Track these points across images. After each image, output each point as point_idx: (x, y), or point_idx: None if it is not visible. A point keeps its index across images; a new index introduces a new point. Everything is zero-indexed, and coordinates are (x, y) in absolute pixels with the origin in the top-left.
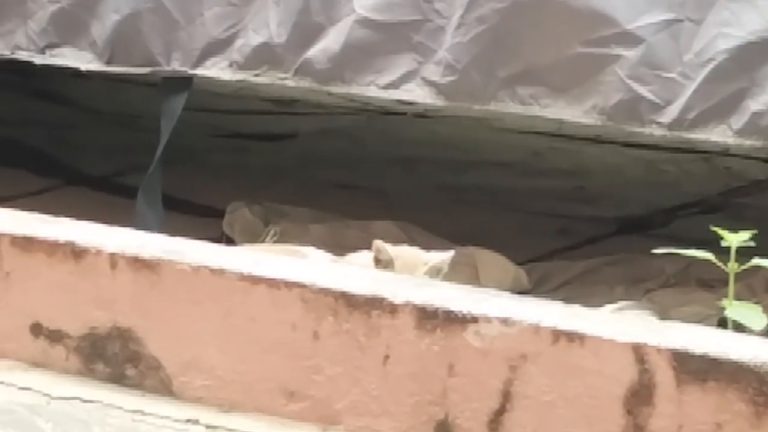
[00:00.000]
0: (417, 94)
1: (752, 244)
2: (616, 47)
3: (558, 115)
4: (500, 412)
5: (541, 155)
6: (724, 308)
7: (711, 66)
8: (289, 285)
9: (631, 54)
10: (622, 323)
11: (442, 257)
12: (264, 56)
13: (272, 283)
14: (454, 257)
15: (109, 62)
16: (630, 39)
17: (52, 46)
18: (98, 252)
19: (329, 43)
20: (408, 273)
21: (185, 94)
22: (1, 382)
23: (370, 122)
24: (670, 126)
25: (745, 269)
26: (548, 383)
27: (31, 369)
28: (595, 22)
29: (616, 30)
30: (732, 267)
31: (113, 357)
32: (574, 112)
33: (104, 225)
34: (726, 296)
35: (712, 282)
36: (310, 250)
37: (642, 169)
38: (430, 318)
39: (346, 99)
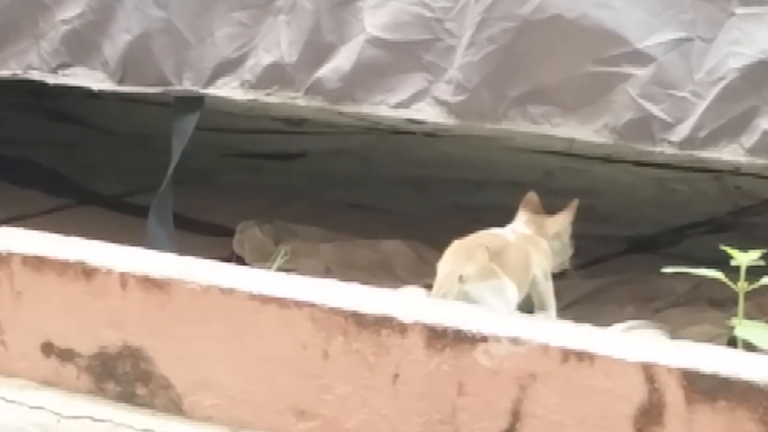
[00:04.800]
0: (428, 113)
1: (762, 263)
2: (627, 66)
3: (569, 134)
4: (509, 431)
5: (552, 174)
6: (734, 327)
7: (722, 85)
8: (300, 304)
9: (642, 73)
10: (632, 342)
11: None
12: (275, 76)
13: (282, 303)
14: None
15: (120, 82)
16: (641, 58)
17: (64, 65)
18: (109, 271)
19: (340, 62)
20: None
21: (197, 113)
22: (13, 401)
23: (379, 142)
24: (682, 145)
25: (755, 288)
26: (558, 403)
27: (43, 388)
28: (606, 41)
29: (627, 49)
30: (742, 286)
31: (124, 376)
32: (585, 131)
33: (115, 244)
34: (736, 315)
35: (722, 301)
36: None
37: (652, 188)
38: (439, 337)
39: (357, 118)
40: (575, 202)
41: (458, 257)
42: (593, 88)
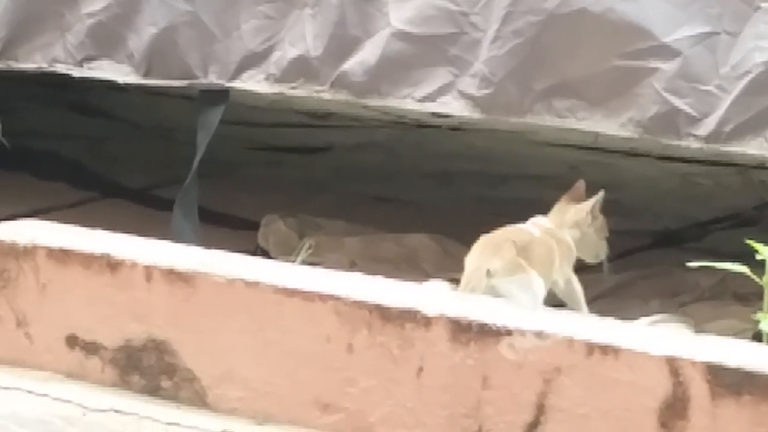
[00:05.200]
0: (453, 106)
1: None
2: (652, 60)
3: (594, 127)
4: (534, 424)
5: (576, 168)
6: (759, 321)
7: (748, 79)
8: (324, 297)
9: (667, 67)
10: (656, 336)
11: None
12: (300, 69)
13: (307, 296)
14: None
15: (146, 75)
16: (667, 52)
17: (89, 58)
18: (134, 264)
19: (366, 55)
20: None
21: (222, 107)
22: (38, 394)
23: (405, 135)
24: (707, 139)
25: None
26: (582, 396)
27: (67, 380)
28: (632, 35)
29: (652, 43)
30: (767, 280)
31: (148, 369)
32: (611, 125)
33: (140, 237)
34: (761, 309)
35: (747, 295)
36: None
37: (677, 183)
38: (464, 331)
39: (382, 112)
40: (599, 194)
41: (485, 252)
42: (619, 82)
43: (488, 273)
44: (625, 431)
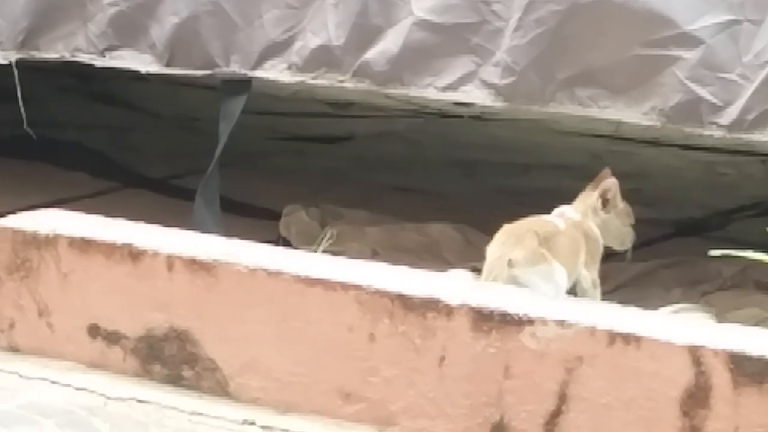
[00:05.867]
0: (475, 95)
1: None
2: (675, 48)
3: (617, 116)
4: (556, 413)
5: (599, 158)
6: None
7: None
8: (345, 287)
9: (690, 55)
10: (678, 325)
11: None
12: (322, 58)
13: (328, 285)
14: None
15: (168, 64)
16: (689, 40)
17: (111, 48)
18: (155, 254)
19: (388, 45)
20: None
21: (244, 96)
22: (60, 383)
23: (426, 125)
24: (730, 127)
25: None
26: (604, 385)
27: (89, 370)
28: (655, 24)
29: (675, 31)
30: None
31: (170, 358)
32: (633, 114)
33: (162, 227)
34: None
35: None
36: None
37: (700, 172)
38: (486, 320)
39: (403, 101)
40: (609, 181)
41: (507, 242)
42: (641, 71)
43: (510, 263)
44: (646, 420)
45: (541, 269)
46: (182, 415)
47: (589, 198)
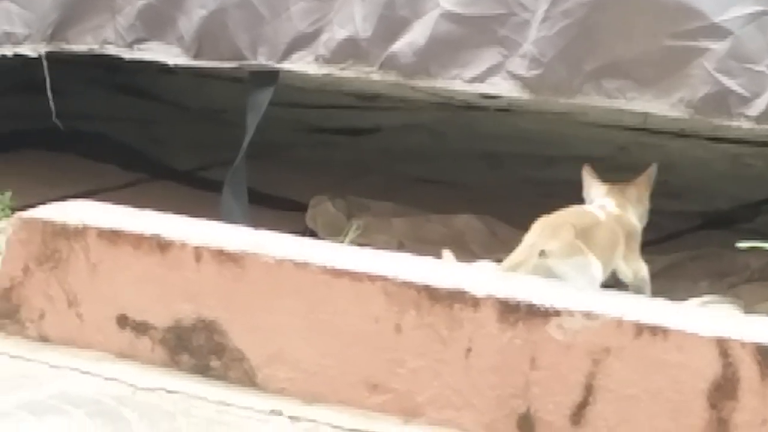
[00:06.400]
0: (502, 87)
1: None
2: (703, 40)
3: (644, 108)
4: (583, 405)
5: (626, 149)
6: None
7: None
8: (372, 278)
9: (718, 47)
10: (705, 317)
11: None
12: (349, 50)
13: (355, 276)
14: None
15: (196, 56)
16: (718, 32)
17: (140, 40)
18: (183, 245)
19: (415, 36)
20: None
21: (271, 88)
22: (89, 373)
23: (453, 117)
24: (758, 119)
25: None
26: (631, 377)
27: (118, 360)
28: (683, 15)
29: (703, 23)
30: None
31: (198, 349)
32: (661, 106)
33: (189, 218)
34: None
35: None
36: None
37: (727, 164)
38: (512, 311)
39: (429, 94)
40: (653, 167)
41: (544, 232)
42: (669, 62)
43: (542, 253)
44: (673, 412)
45: (576, 261)
46: (210, 405)
47: (627, 190)
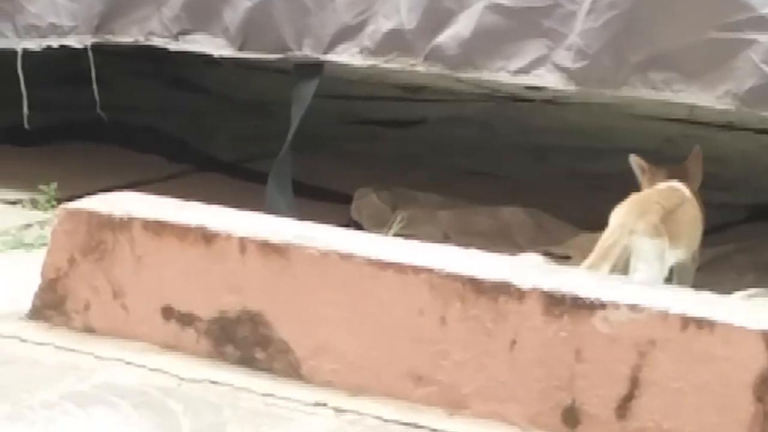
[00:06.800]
0: (548, 79)
1: None
2: (750, 32)
3: (691, 100)
4: (628, 398)
5: (673, 142)
6: None
7: None
8: (417, 270)
9: (765, 39)
10: (752, 310)
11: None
12: (394, 42)
13: (400, 268)
14: (584, 243)
15: (241, 48)
16: (764, 24)
17: (185, 32)
18: (228, 237)
19: (460, 28)
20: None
21: (316, 80)
22: (135, 364)
23: (499, 109)
24: None
25: None
26: (677, 370)
27: (163, 351)
28: (729, 7)
29: (750, 14)
30: None
31: (243, 340)
32: (707, 98)
33: (234, 210)
34: None
35: None
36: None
37: None
38: (557, 304)
39: (475, 85)
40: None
41: (632, 211)
42: (716, 54)
43: (631, 233)
44: (719, 405)
45: (656, 244)
46: (255, 397)
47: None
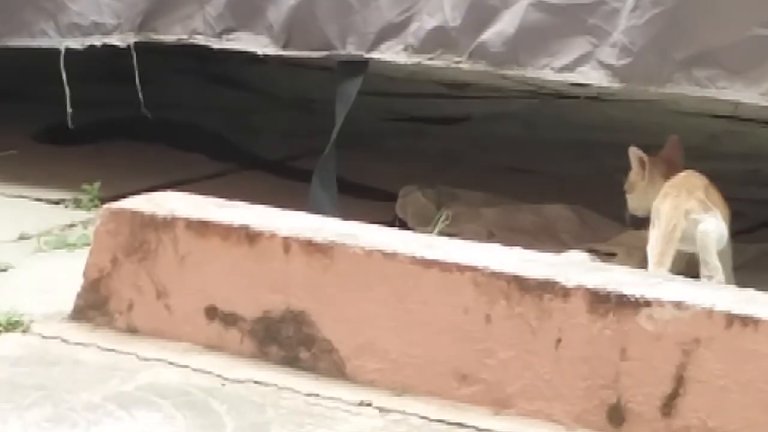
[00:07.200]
0: (592, 76)
1: None
2: None
3: (735, 97)
4: (673, 396)
5: (717, 138)
6: None
7: None
8: (462, 268)
9: None
10: None
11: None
12: (438, 40)
13: (445, 267)
14: (629, 240)
15: (285, 46)
16: None
17: (228, 30)
18: (272, 236)
19: (504, 26)
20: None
21: (360, 78)
22: (177, 364)
23: (543, 106)
24: None
25: None
26: (722, 368)
27: (206, 351)
28: None
29: None
30: None
31: (287, 340)
32: (751, 95)
33: (278, 209)
34: None
35: None
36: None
37: None
38: (602, 302)
39: (519, 82)
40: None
41: (681, 195)
42: (760, 51)
43: (686, 213)
44: (765, 403)
45: (714, 215)
46: (299, 397)
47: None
